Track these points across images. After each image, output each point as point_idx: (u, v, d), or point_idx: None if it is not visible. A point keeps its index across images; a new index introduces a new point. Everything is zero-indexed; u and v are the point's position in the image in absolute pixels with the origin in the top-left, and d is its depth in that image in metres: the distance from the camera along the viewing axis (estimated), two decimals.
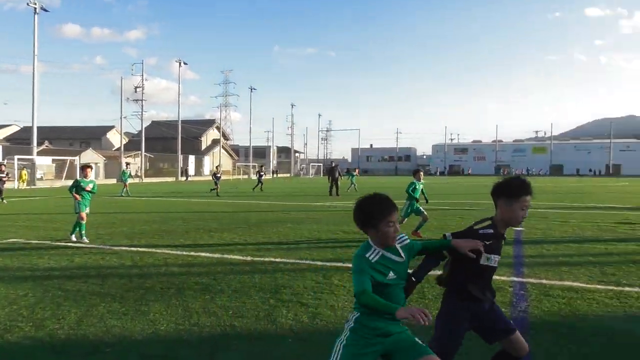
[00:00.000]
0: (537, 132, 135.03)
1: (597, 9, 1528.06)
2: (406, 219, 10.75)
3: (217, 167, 32.04)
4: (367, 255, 2.45)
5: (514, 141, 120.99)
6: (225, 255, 8.06)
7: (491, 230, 2.75)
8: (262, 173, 32.35)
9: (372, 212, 2.47)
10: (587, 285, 6.02)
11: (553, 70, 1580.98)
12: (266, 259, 7.70)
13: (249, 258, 7.82)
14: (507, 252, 8.35)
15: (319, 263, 7.43)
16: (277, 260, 7.63)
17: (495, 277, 6.73)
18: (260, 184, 30.68)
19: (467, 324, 2.79)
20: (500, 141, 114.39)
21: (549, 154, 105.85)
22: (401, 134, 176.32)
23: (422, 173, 10.40)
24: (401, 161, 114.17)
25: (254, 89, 77.09)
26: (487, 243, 2.71)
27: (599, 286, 5.97)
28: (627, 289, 5.84)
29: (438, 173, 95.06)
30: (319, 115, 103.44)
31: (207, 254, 8.18)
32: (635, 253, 8.32)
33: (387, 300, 2.37)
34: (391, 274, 2.46)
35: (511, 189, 2.74)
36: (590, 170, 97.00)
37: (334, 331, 4.43)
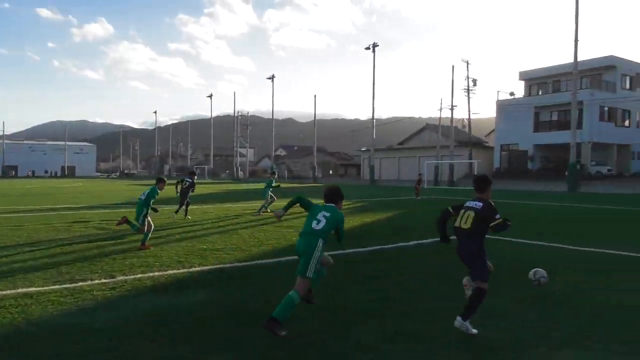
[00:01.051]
0: None
1: (49, 11, 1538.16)
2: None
3: None
4: None
5: None
6: None
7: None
8: None
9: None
10: (43, 288, 6.03)
11: (6, 66, 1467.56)
12: None
13: None
14: None
15: None
16: None
17: None
18: None
19: None
20: None
21: (1, 155, 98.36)
22: None
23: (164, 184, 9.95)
24: None
25: None
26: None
27: (54, 287, 6.10)
28: (80, 284, 6.26)
29: None
30: None
31: None
32: (88, 249, 9.00)
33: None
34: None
35: (490, 182, 4.87)
36: (46, 172, 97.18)
37: None
